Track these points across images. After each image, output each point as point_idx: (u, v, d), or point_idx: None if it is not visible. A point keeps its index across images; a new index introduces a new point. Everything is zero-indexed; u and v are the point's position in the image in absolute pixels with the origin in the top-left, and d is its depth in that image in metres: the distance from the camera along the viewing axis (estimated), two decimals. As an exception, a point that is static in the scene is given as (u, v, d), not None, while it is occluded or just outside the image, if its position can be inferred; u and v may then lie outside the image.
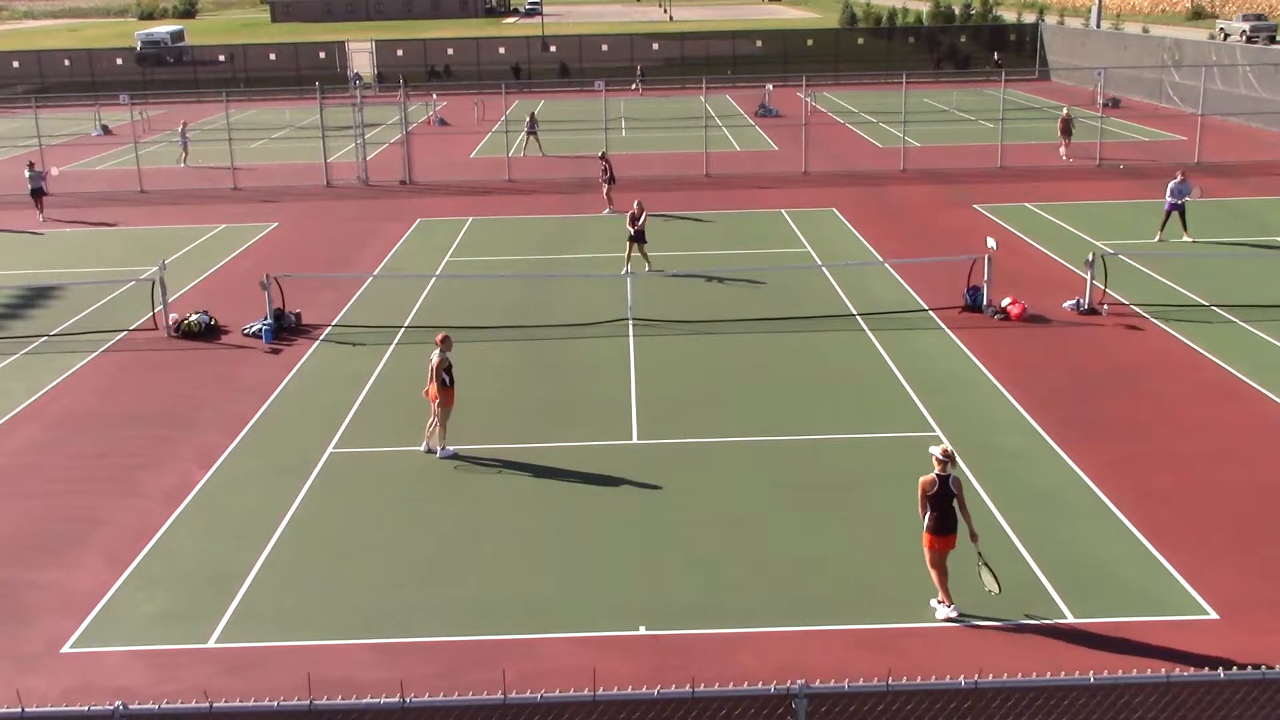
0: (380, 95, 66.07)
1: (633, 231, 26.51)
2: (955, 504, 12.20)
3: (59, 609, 13.12)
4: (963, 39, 74.28)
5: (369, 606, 12.99)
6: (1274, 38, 69.76)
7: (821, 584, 13.24)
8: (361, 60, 72.05)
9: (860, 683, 7.84)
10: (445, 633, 12.42)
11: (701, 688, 7.86)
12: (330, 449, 17.40)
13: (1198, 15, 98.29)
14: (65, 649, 12.33)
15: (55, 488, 16.39)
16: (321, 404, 19.25)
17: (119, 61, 72.52)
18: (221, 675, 11.73)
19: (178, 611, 13.01)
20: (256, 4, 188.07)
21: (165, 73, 73.08)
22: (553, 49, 73.49)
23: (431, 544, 14.43)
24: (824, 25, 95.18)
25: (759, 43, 74.53)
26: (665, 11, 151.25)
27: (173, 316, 23.44)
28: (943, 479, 12.15)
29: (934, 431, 17.42)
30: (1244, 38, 69.74)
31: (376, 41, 73.70)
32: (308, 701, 7.74)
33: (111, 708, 7.59)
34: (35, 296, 26.31)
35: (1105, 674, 7.95)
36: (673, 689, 7.98)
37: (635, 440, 17.41)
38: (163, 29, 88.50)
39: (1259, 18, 74.59)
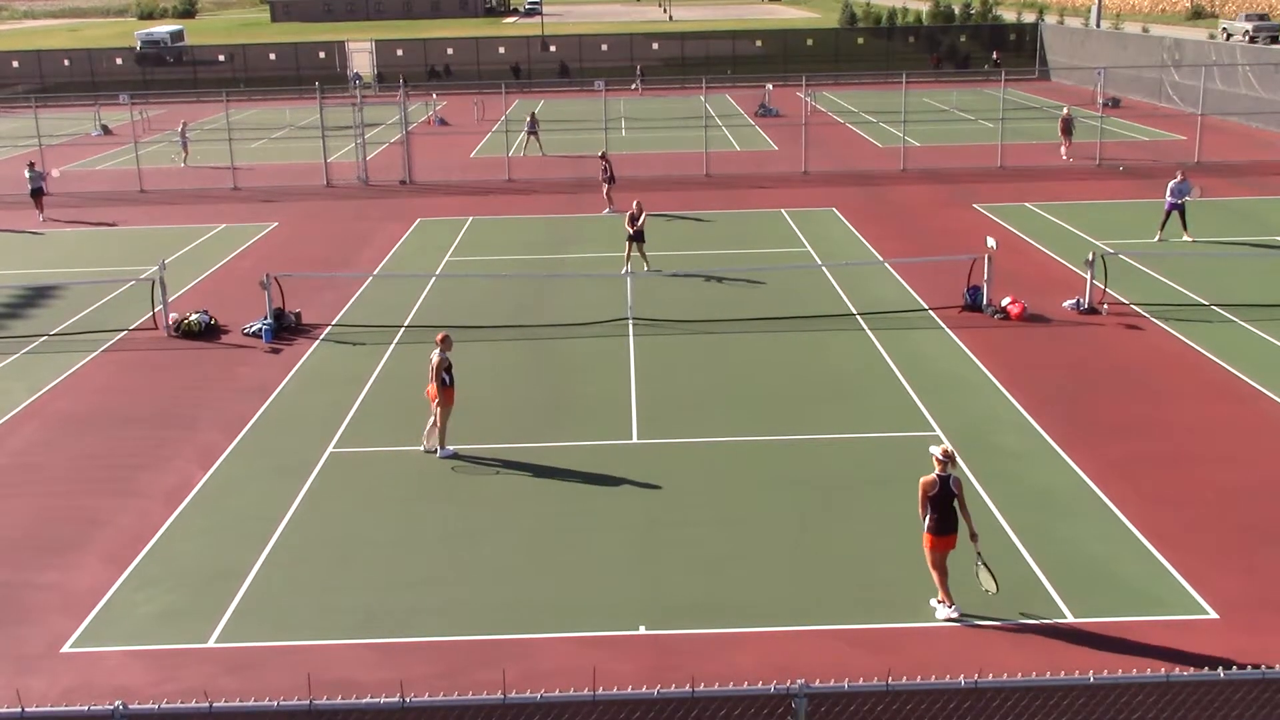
0: (380, 95, 66.07)
1: (631, 231, 26.52)
2: (956, 504, 12.20)
3: (59, 609, 13.12)
4: (962, 39, 74.28)
5: (369, 606, 12.99)
6: (1276, 38, 69.70)
7: (821, 584, 13.24)
8: (361, 60, 72.07)
9: (860, 683, 7.84)
10: (445, 633, 12.42)
11: (701, 688, 7.86)
12: (330, 449, 17.40)
13: (1197, 15, 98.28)
14: (65, 649, 12.33)
15: (55, 488, 16.39)
16: (321, 404, 19.24)
17: (119, 61, 72.54)
18: (221, 675, 11.73)
19: (178, 611, 13.01)
20: (256, 4, 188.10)
21: (165, 73, 73.09)
22: (553, 49, 73.49)
23: (431, 544, 14.43)
24: (824, 25, 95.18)
25: (759, 43, 74.56)
26: (665, 11, 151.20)
27: (173, 316, 23.45)
28: (943, 479, 12.14)
29: (934, 431, 17.42)
30: (1247, 38, 69.67)
31: (376, 41, 73.72)
32: (308, 701, 7.73)
33: (111, 708, 7.59)
34: (35, 296, 26.31)
35: (1105, 674, 7.94)
36: (672, 689, 7.98)
37: (635, 440, 17.41)
38: (162, 29, 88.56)
39: (1262, 18, 74.52)
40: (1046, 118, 50.31)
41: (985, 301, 23.20)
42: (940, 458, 12.13)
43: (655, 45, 74.14)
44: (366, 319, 23.87)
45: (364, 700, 7.75)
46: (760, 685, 7.91)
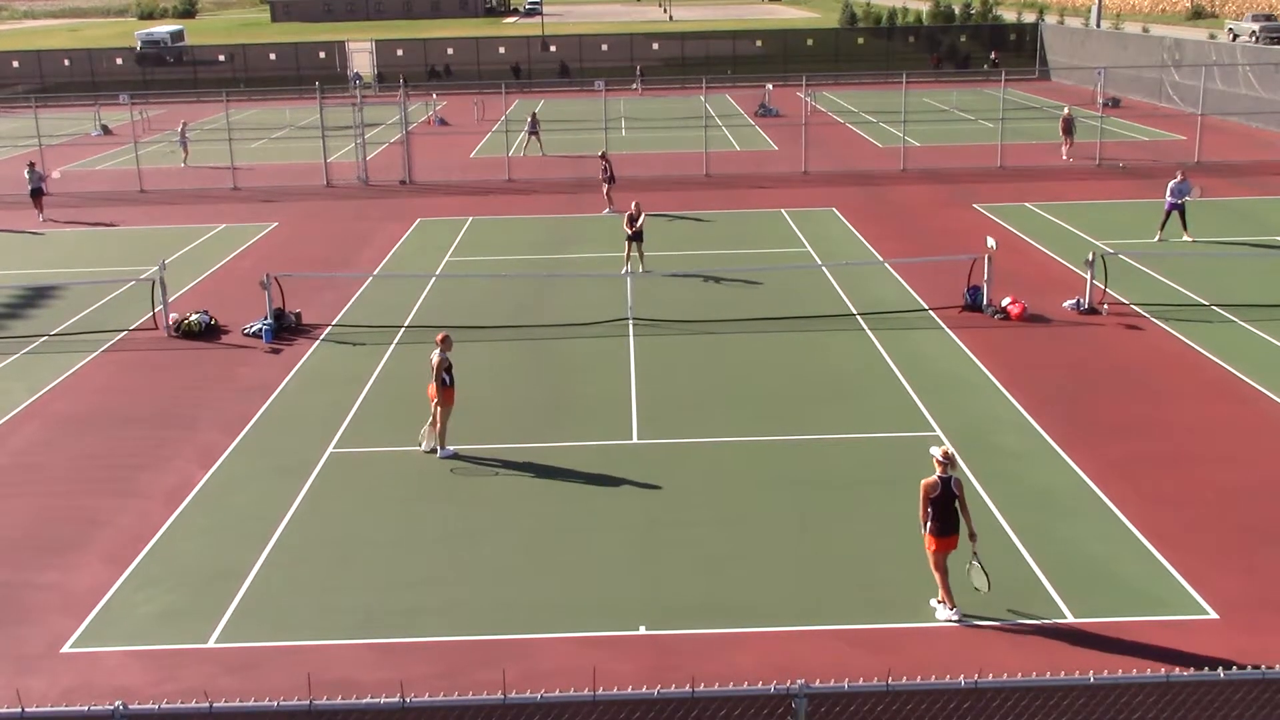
0: (380, 95, 66.07)
1: (630, 232, 26.53)
2: (956, 505, 12.20)
3: (59, 609, 13.12)
4: (962, 39, 74.29)
5: (369, 606, 12.99)
6: (1277, 38, 69.61)
7: (821, 584, 13.24)
8: (361, 60, 72.08)
9: (860, 683, 7.84)
10: (445, 633, 12.42)
11: (701, 688, 7.86)
12: (330, 449, 17.40)
13: (1198, 15, 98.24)
14: (65, 649, 12.33)
15: (55, 488, 16.39)
16: (321, 404, 19.24)
17: (119, 61, 72.55)
18: (221, 675, 11.74)
19: (178, 611, 13.01)
20: (256, 4, 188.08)
21: (165, 73, 73.11)
22: (553, 49, 73.50)
23: (431, 544, 14.43)
24: (824, 25, 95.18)
25: (759, 42, 74.57)
26: (665, 11, 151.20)
27: (173, 316, 23.45)
28: (944, 481, 12.14)
29: (934, 431, 17.42)
30: (1254, 38, 69.53)
31: (376, 41, 73.73)
32: (307, 701, 7.73)
33: (111, 708, 7.59)
34: (35, 296, 26.31)
35: (1105, 674, 7.94)
36: (672, 689, 7.98)
37: (635, 440, 17.41)
38: (163, 29, 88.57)
39: (1268, 18, 74.33)
40: (1046, 118, 50.32)
41: (985, 301, 23.20)
42: (941, 459, 12.12)
43: (655, 45, 74.15)
44: (366, 319, 23.88)
45: (364, 700, 7.75)
46: (760, 685, 7.91)
